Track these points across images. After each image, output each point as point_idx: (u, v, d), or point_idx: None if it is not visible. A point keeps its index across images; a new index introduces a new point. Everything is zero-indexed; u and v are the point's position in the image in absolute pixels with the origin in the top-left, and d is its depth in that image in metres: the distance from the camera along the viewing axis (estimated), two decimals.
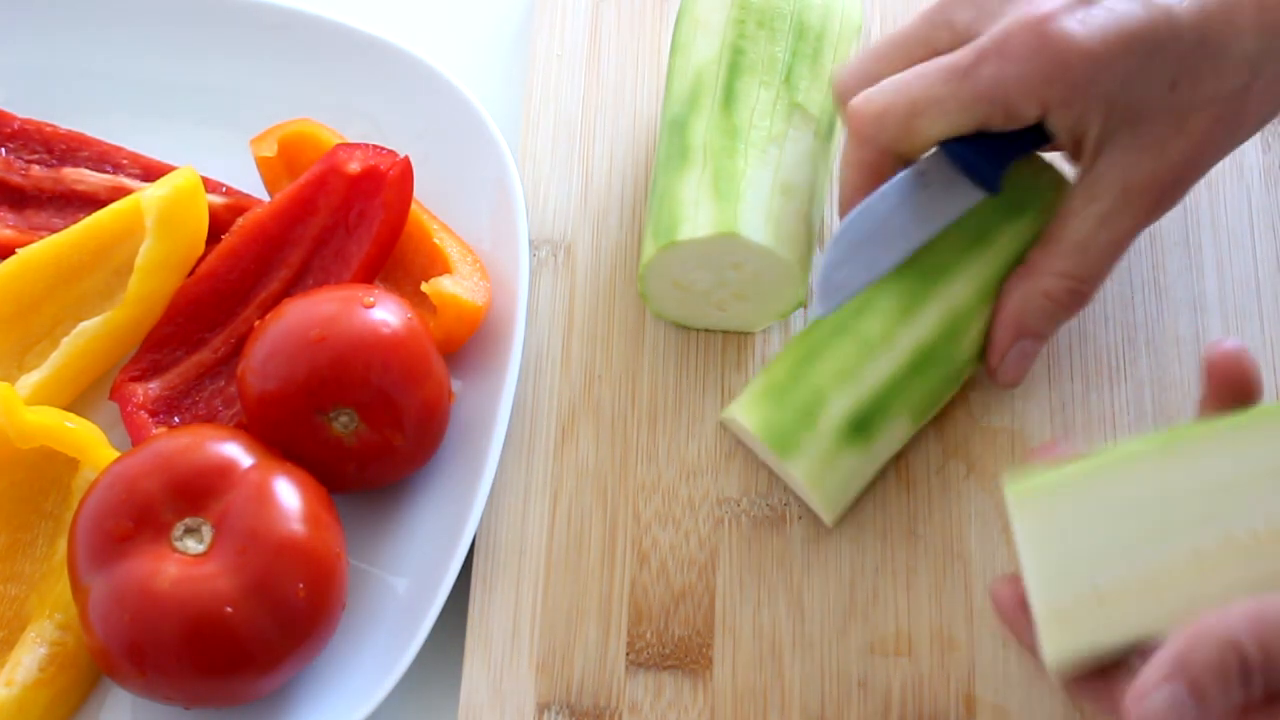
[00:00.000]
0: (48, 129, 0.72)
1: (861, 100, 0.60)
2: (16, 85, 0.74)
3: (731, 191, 0.62)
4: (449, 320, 0.65)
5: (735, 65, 0.65)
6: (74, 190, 0.71)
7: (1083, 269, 0.60)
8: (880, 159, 0.60)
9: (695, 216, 0.62)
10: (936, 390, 0.63)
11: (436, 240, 0.68)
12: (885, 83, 0.60)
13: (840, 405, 0.61)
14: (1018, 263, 0.62)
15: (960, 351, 0.62)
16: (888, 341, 0.61)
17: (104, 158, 0.72)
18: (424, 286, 0.65)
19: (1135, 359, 0.67)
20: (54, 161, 0.72)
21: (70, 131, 0.72)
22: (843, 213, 0.62)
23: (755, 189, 0.62)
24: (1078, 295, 0.61)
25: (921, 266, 0.62)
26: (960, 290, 0.62)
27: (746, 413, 0.62)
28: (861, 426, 0.61)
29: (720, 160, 0.63)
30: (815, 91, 0.65)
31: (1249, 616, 0.46)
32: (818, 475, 0.61)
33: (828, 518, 0.62)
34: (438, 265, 0.67)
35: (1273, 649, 0.46)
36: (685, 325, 0.68)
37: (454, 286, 0.65)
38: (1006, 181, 0.61)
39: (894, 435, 0.62)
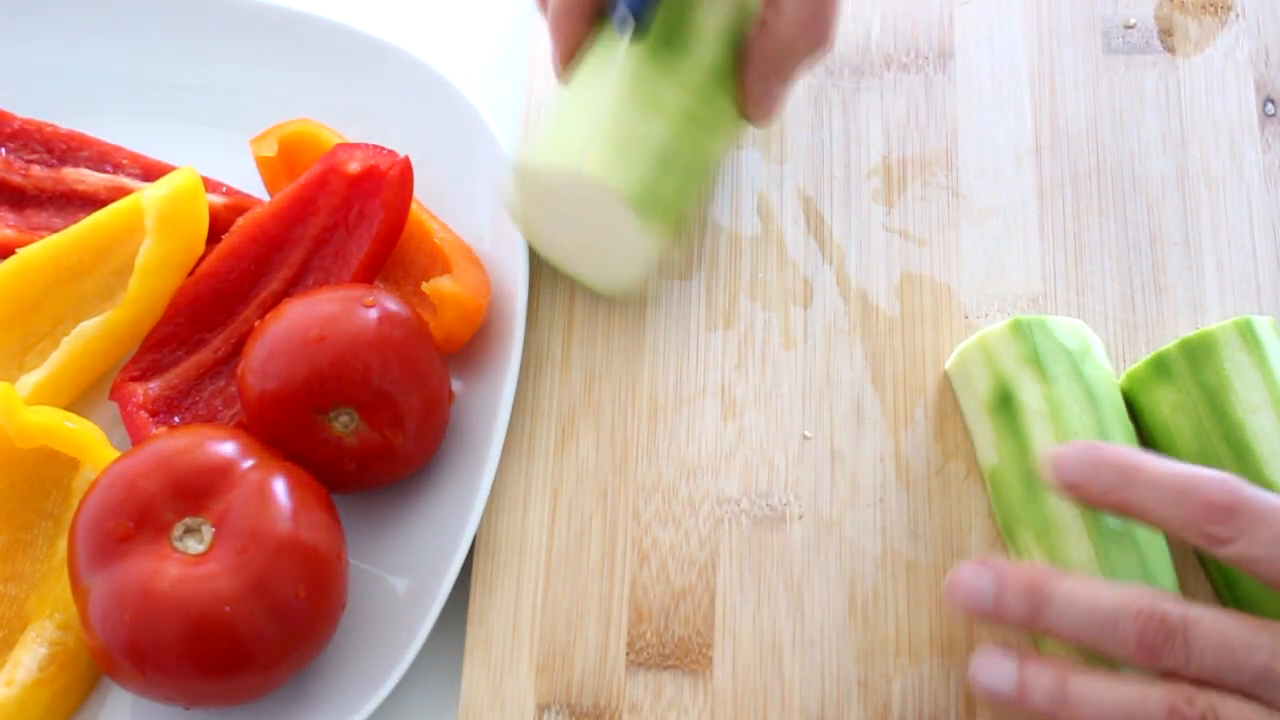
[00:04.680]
0: (48, 129, 0.72)
1: None
2: (16, 85, 0.74)
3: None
4: (449, 320, 0.65)
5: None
6: (74, 190, 0.71)
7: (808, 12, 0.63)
8: None
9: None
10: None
11: (436, 240, 0.68)
12: None
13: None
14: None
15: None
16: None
17: (104, 158, 0.72)
18: (424, 286, 0.65)
19: (1136, 359, 0.67)
20: (54, 161, 0.72)
21: (70, 131, 0.72)
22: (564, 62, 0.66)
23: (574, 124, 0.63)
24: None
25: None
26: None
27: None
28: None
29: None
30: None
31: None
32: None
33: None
34: (438, 265, 0.67)
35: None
36: (632, 291, 0.68)
37: (454, 286, 0.65)
38: None
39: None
